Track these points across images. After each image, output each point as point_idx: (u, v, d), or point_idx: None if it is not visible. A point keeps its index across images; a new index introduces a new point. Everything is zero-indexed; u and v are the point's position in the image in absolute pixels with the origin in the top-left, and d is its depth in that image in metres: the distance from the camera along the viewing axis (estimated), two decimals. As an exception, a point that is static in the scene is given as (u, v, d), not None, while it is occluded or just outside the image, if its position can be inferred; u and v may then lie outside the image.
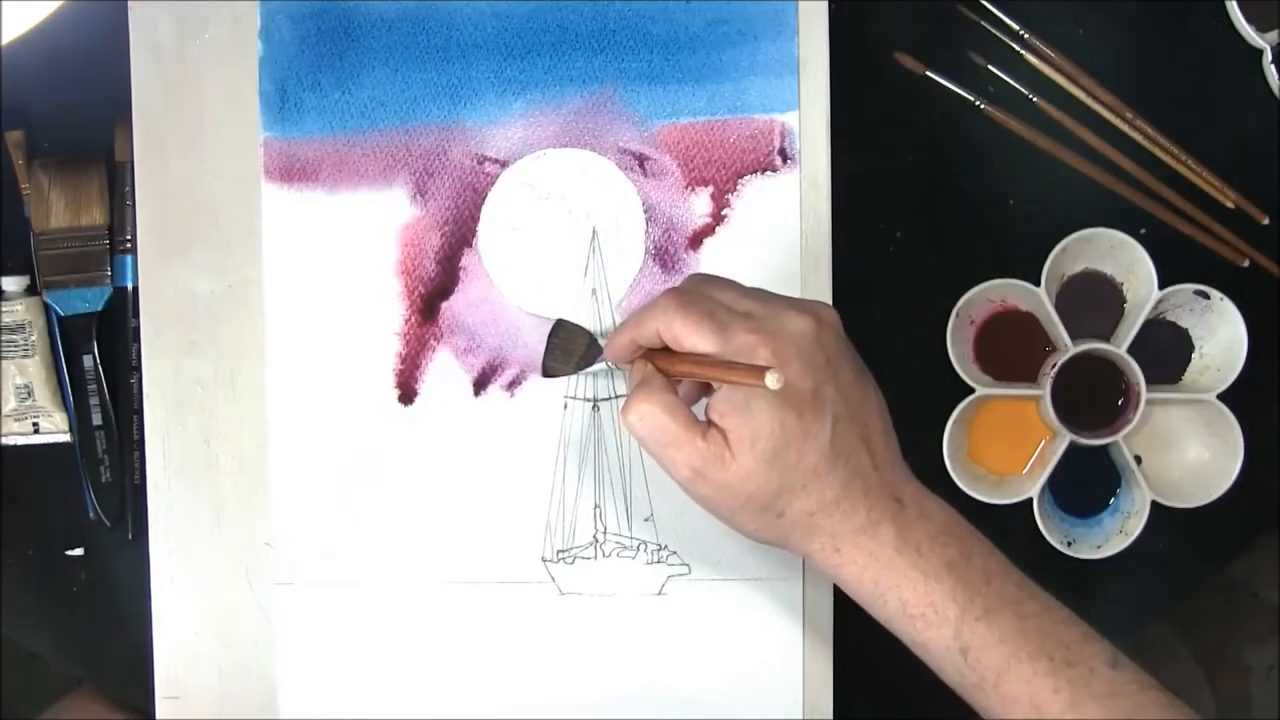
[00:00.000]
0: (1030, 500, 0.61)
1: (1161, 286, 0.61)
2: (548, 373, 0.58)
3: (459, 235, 0.59)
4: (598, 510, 0.59)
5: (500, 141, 0.59)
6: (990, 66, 0.64)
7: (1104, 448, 0.63)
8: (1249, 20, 0.63)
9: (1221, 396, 0.61)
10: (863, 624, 0.60)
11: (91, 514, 0.61)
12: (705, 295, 0.49)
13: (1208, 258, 0.64)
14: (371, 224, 0.59)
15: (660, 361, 0.50)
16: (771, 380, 0.42)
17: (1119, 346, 0.61)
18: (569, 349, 0.57)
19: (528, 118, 0.59)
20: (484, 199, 0.59)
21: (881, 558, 0.47)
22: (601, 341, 0.57)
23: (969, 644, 0.46)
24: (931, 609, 0.47)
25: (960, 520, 0.49)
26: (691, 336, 0.47)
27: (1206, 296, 0.62)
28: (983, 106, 0.63)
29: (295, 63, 0.59)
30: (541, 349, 0.58)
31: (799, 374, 0.47)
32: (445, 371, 0.59)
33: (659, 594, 0.59)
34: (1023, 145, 0.64)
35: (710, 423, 0.47)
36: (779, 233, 0.59)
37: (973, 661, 0.46)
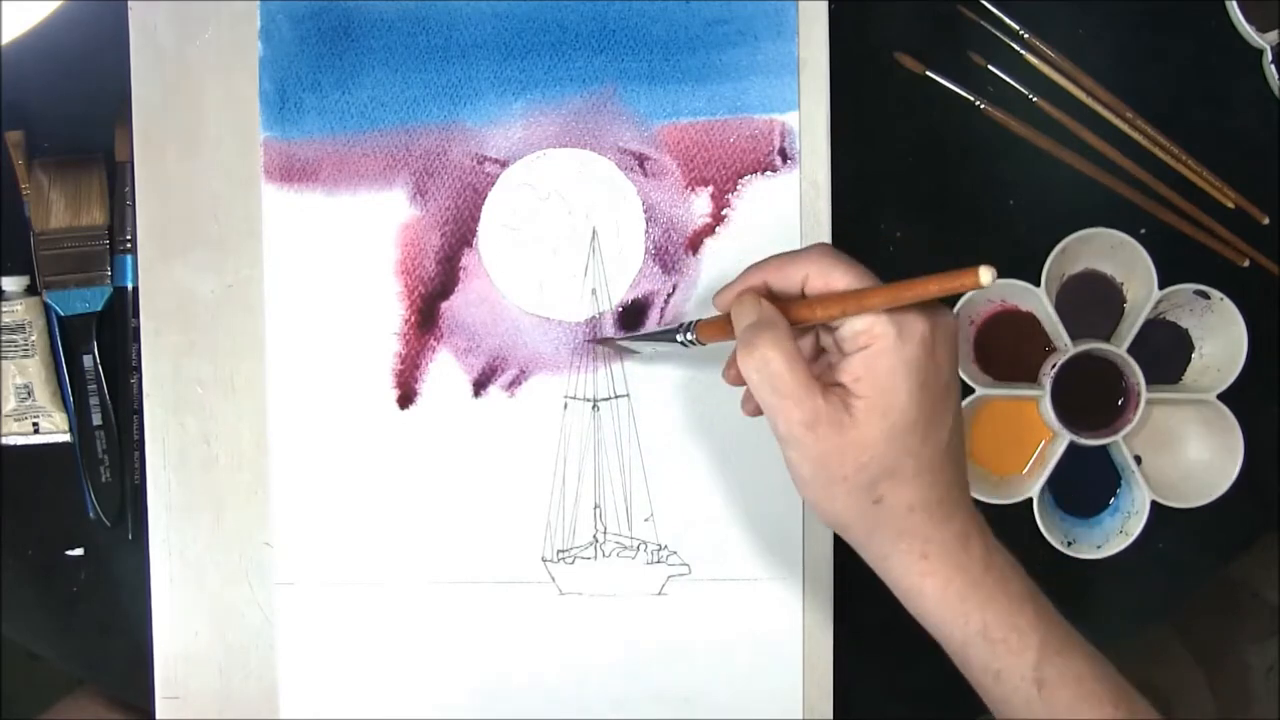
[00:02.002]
0: (1030, 500, 0.61)
1: (1161, 286, 0.61)
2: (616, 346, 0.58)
3: (459, 235, 0.59)
4: (598, 510, 0.59)
5: (500, 141, 0.59)
6: (990, 66, 0.64)
7: (1104, 448, 0.63)
8: (1249, 20, 0.63)
9: (1221, 396, 0.61)
10: (862, 625, 0.60)
11: (91, 514, 0.61)
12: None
13: (1208, 258, 0.64)
14: (371, 224, 0.59)
15: (797, 308, 0.47)
16: (986, 276, 0.40)
17: (1119, 346, 0.61)
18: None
19: (528, 118, 0.59)
20: (484, 199, 0.59)
21: (971, 573, 0.46)
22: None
23: (1047, 676, 0.45)
24: (1015, 634, 0.46)
25: None
26: (854, 283, 0.46)
27: (1206, 296, 0.62)
28: (983, 106, 0.63)
29: (295, 63, 0.59)
30: (542, 349, 0.58)
31: (946, 361, 0.45)
32: (445, 371, 0.59)
33: (659, 594, 0.59)
34: (1023, 145, 0.64)
35: (835, 384, 0.45)
36: (779, 233, 0.59)
37: (1047, 695, 0.45)
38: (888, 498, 0.45)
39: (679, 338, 0.51)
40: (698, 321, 0.51)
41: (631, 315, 0.59)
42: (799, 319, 0.46)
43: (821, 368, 0.48)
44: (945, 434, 0.46)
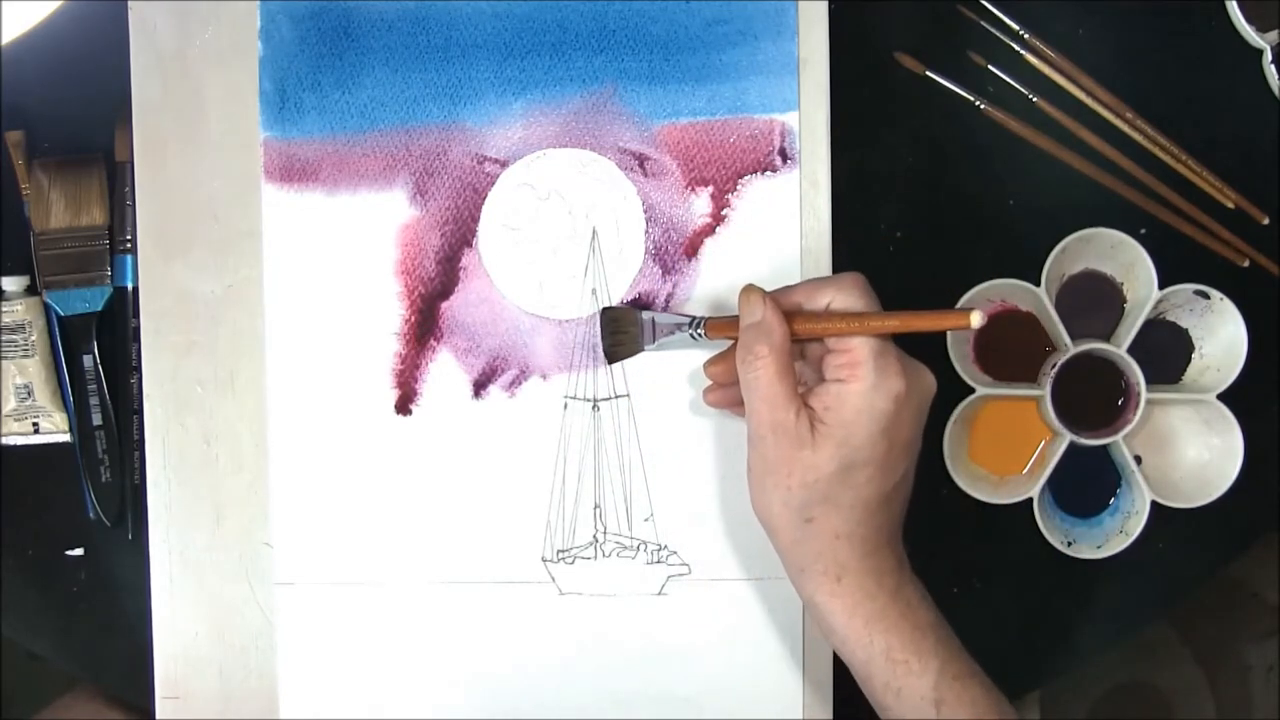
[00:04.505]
0: (1030, 500, 0.61)
1: (1161, 286, 0.61)
2: (612, 358, 0.58)
3: (459, 235, 0.59)
4: (598, 510, 0.59)
5: (500, 141, 0.59)
6: (990, 66, 0.64)
7: (1104, 448, 0.63)
8: (1249, 20, 0.63)
9: (1221, 396, 0.61)
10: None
11: (91, 514, 0.61)
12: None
13: (1208, 258, 0.64)
14: (371, 224, 0.59)
15: (795, 320, 0.50)
16: (976, 319, 0.46)
17: (1119, 346, 0.61)
18: (627, 330, 0.57)
19: (528, 118, 0.59)
20: (484, 199, 0.59)
21: (878, 600, 0.50)
22: (646, 315, 0.57)
23: (944, 698, 0.49)
24: (916, 658, 0.50)
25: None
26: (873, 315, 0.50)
27: (1206, 296, 0.62)
28: (983, 106, 0.63)
29: (295, 63, 0.59)
30: (542, 349, 0.58)
31: (913, 419, 0.50)
32: (445, 372, 0.59)
33: (659, 594, 0.59)
34: (1023, 145, 0.64)
35: (808, 406, 0.49)
36: (779, 233, 0.59)
37: (945, 715, 0.49)
38: (819, 520, 0.50)
39: (690, 331, 0.55)
40: (709, 319, 0.55)
41: (631, 315, 0.59)
42: (795, 331, 0.50)
43: (805, 389, 0.51)
44: (891, 482, 0.50)
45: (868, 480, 0.49)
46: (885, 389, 0.48)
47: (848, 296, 0.50)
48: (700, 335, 0.55)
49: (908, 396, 0.49)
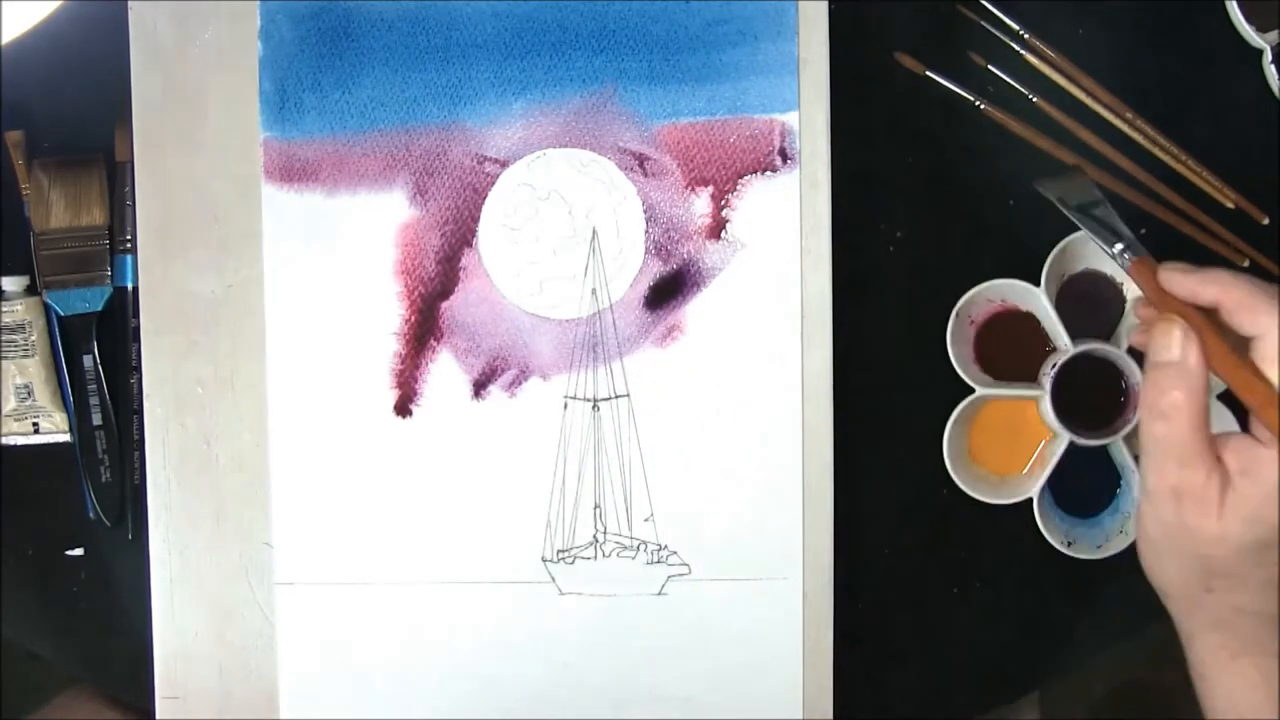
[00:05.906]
0: (1030, 500, 0.61)
1: (1162, 286, 0.61)
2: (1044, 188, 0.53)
3: (459, 235, 0.59)
4: (598, 510, 0.59)
5: (500, 141, 0.59)
6: (990, 66, 0.64)
7: (1104, 448, 0.63)
8: (1249, 20, 0.63)
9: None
10: (863, 625, 0.60)
11: (91, 514, 0.61)
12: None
13: (1208, 258, 0.64)
14: (371, 224, 0.59)
15: (1215, 350, 0.44)
16: None
17: (1119, 346, 0.61)
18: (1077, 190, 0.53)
19: (528, 118, 0.59)
20: (484, 199, 0.59)
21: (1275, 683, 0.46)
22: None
23: None
24: None
25: None
26: (1262, 322, 0.43)
27: (1207, 296, 0.61)
28: (983, 106, 0.63)
29: (295, 63, 0.59)
30: (542, 349, 0.58)
31: None
32: (445, 372, 0.59)
33: (659, 594, 0.59)
34: (1023, 145, 0.64)
35: (1220, 458, 0.44)
36: (779, 233, 0.59)
37: None
38: (1219, 590, 0.45)
39: (1118, 256, 0.50)
40: (1137, 261, 0.49)
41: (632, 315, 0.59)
42: (1223, 374, 0.44)
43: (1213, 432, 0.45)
44: None
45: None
46: None
47: (1238, 296, 0.43)
48: (1125, 264, 0.49)
49: None
